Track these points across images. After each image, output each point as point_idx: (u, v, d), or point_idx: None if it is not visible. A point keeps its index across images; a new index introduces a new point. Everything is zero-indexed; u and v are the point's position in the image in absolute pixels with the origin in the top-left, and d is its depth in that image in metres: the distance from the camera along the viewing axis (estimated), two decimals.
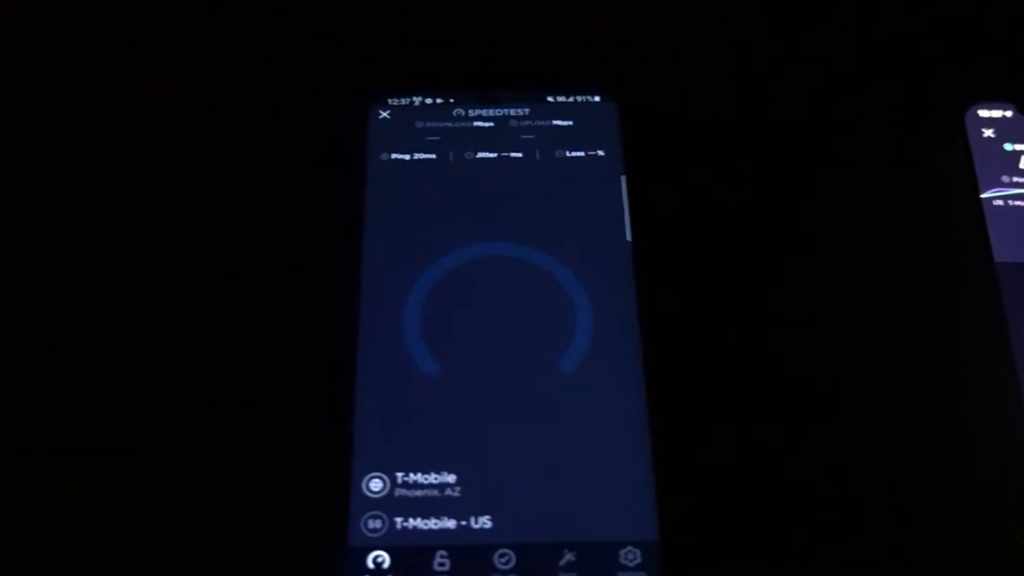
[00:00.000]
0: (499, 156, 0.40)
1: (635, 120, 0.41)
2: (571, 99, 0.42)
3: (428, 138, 0.41)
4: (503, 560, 0.33)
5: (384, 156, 0.40)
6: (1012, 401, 0.36)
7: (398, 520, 0.34)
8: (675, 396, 0.36)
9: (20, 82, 0.42)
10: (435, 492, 0.34)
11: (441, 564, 0.33)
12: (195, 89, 0.42)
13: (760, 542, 0.34)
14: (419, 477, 0.34)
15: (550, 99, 0.42)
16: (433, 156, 0.40)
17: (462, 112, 0.41)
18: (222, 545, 0.34)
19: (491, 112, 0.41)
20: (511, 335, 0.37)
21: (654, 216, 0.39)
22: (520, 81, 0.42)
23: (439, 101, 0.42)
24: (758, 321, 0.38)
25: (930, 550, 0.34)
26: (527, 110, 0.41)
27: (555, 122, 0.41)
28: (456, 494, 0.34)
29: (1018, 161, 0.40)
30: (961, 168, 0.40)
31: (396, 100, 0.42)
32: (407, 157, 0.40)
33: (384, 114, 0.41)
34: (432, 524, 0.34)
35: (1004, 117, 0.41)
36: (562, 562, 0.33)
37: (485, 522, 0.34)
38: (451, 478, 0.34)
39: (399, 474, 0.34)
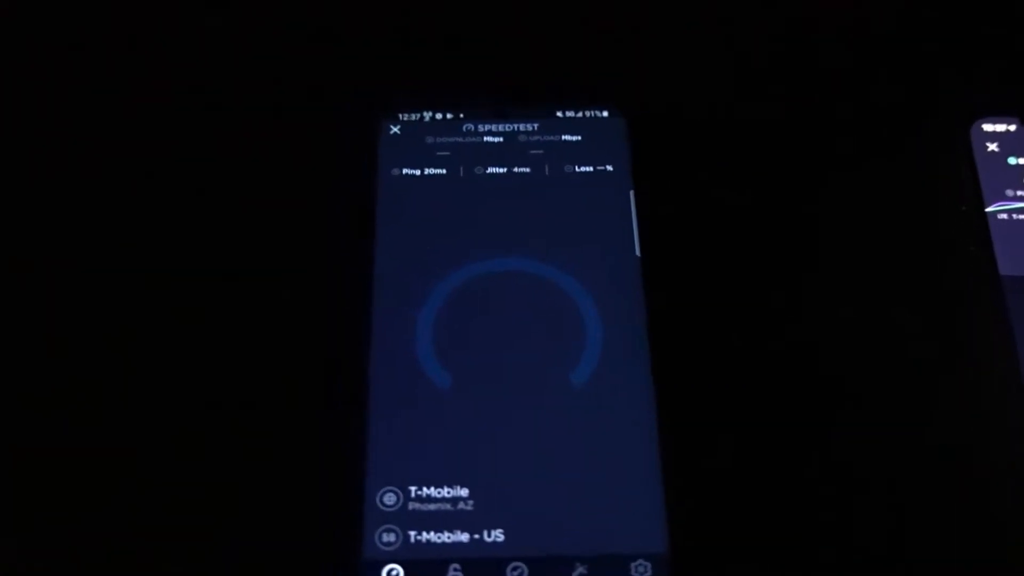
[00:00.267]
0: (508, 171, 0.41)
1: (643, 135, 0.41)
2: (580, 114, 0.42)
3: (438, 153, 0.41)
4: (516, 573, 0.33)
5: (395, 171, 0.41)
6: (1018, 413, 0.36)
7: (412, 534, 0.34)
8: (685, 408, 0.36)
9: (22, 83, 0.43)
10: (448, 506, 0.34)
11: None
12: (208, 106, 0.42)
13: (770, 554, 0.34)
14: (432, 491, 0.35)
15: (559, 114, 0.42)
16: (443, 171, 0.41)
17: (472, 127, 0.42)
18: (237, 559, 0.34)
19: (500, 127, 0.42)
20: (522, 349, 0.37)
21: (662, 230, 0.40)
22: (529, 96, 0.42)
23: (449, 116, 0.42)
24: (766, 334, 0.38)
25: (940, 561, 0.34)
26: (536, 125, 0.42)
27: (564, 137, 0.42)
28: (469, 507, 0.34)
29: (1023, 175, 0.41)
30: (966, 182, 0.41)
31: (406, 115, 0.42)
32: (418, 172, 0.41)
33: (395, 129, 0.42)
34: (445, 537, 0.34)
35: (1008, 131, 0.42)
36: (574, 574, 0.33)
37: (498, 535, 0.34)
38: (464, 492, 0.35)
39: (412, 488, 0.35)
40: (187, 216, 0.40)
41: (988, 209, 0.40)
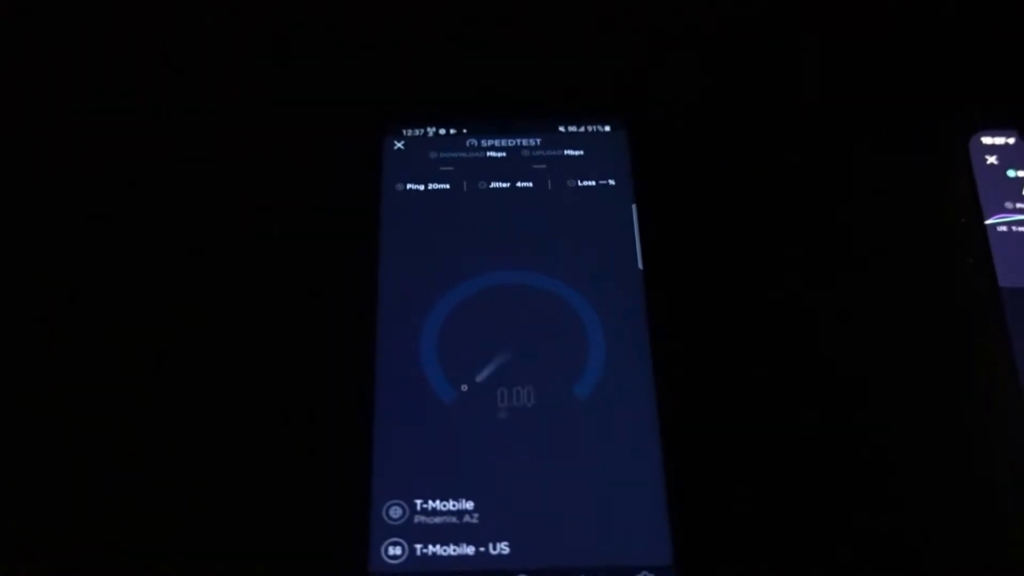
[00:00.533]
0: (512, 186, 0.41)
1: (645, 149, 0.42)
2: (582, 129, 0.42)
3: (442, 168, 0.42)
4: None
5: (399, 186, 0.41)
6: (1018, 424, 0.37)
7: (418, 547, 0.34)
8: (688, 421, 0.36)
9: (27, 87, 0.43)
10: (454, 519, 0.35)
11: None
12: (212, 122, 0.42)
13: (775, 565, 0.35)
14: (438, 504, 0.35)
15: (561, 129, 0.42)
16: (447, 186, 0.41)
17: (475, 142, 0.42)
18: (244, 573, 0.34)
19: (503, 142, 0.42)
20: (526, 362, 0.37)
21: (665, 244, 0.40)
22: (532, 112, 0.43)
23: (452, 132, 0.42)
24: (768, 346, 0.38)
25: (945, 567, 0.35)
26: (539, 140, 0.42)
27: (566, 152, 0.42)
28: (474, 520, 0.35)
29: (1022, 188, 0.41)
30: (965, 195, 0.41)
31: (410, 131, 0.42)
32: (421, 187, 0.41)
33: (398, 145, 0.42)
34: (451, 550, 0.34)
35: (1007, 144, 0.42)
36: None
37: (503, 548, 0.34)
38: (469, 504, 0.35)
39: (418, 501, 0.35)
40: (192, 230, 0.40)
41: (987, 221, 0.40)
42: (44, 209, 0.41)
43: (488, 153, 0.42)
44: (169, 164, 0.42)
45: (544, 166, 0.42)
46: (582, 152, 0.42)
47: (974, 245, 0.40)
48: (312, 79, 0.44)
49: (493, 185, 0.41)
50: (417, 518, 0.35)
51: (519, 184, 0.41)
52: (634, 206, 0.41)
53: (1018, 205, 0.41)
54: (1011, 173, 0.41)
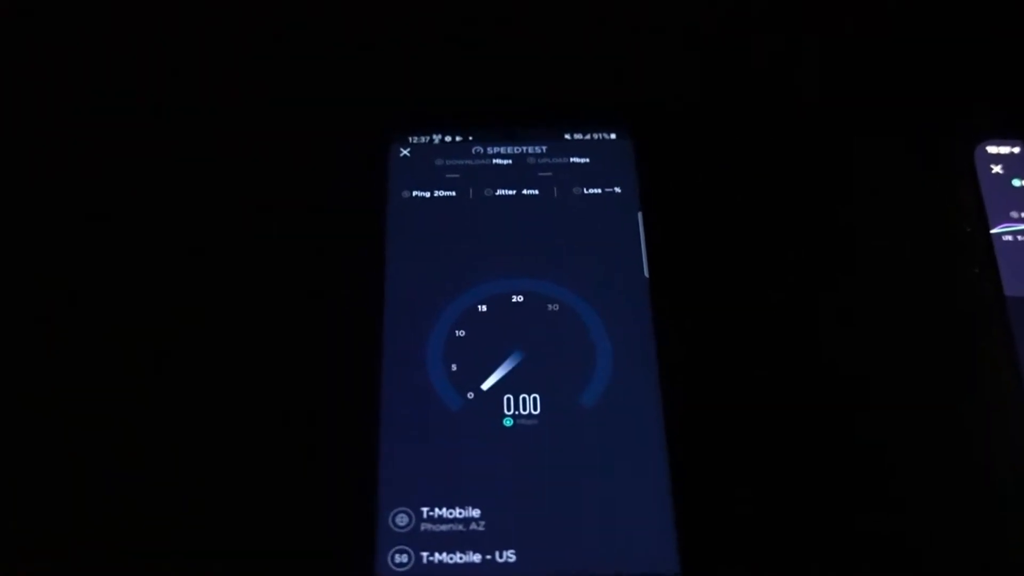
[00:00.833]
0: (517, 193, 0.41)
1: (651, 157, 0.42)
2: (588, 136, 0.43)
3: (448, 176, 0.42)
4: None
5: (405, 193, 0.41)
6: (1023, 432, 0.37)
7: (424, 554, 0.34)
8: (695, 429, 0.36)
9: (30, 91, 0.43)
10: (460, 526, 0.35)
11: None
12: (218, 130, 0.42)
13: (781, 573, 0.35)
14: (444, 512, 0.35)
15: (567, 136, 0.43)
16: (453, 193, 0.41)
17: (481, 150, 0.42)
18: None
19: (509, 150, 0.42)
20: (532, 370, 0.37)
21: (671, 251, 0.40)
22: (538, 119, 0.43)
23: (458, 139, 0.42)
24: (775, 353, 0.38)
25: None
26: (544, 147, 0.42)
27: (572, 159, 0.42)
28: (481, 528, 0.35)
29: None
30: (970, 204, 0.41)
31: (416, 138, 0.42)
32: (427, 194, 0.41)
33: (404, 152, 0.42)
34: (457, 558, 0.34)
35: (1012, 153, 0.42)
36: None
37: (510, 556, 0.34)
38: (476, 512, 0.35)
39: (424, 509, 0.35)
40: (200, 238, 0.40)
41: (992, 230, 0.40)
42: (56, 210, 0.41)
43: (494, 160, 0.42)
44: (180, 173, 0.42)
45: (550, 173, 0.42)
46: (588, 160, 0.42)
47: (979, 254, 0.40)
48: (318, 87, 0.44)
49: (499, 192, 0.41)
50: (423, 526, 0.35)
51: (525, 191, 0.41)
52: (640, 214, 0.41)
53: (1023, 214, 0.41)
54: (1016, 182, 0.41)
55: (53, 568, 0.34)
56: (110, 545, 0.35)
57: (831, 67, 0.44)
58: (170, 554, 0.35)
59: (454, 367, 0.37)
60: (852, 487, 0.36)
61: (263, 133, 0.42)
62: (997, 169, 0.42)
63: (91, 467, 0.36)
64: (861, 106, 0.43)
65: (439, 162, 0.42)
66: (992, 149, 0.42)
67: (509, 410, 0.37)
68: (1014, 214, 0.41)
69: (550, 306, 0.39)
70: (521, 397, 0.37)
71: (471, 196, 0.41)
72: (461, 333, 0.38)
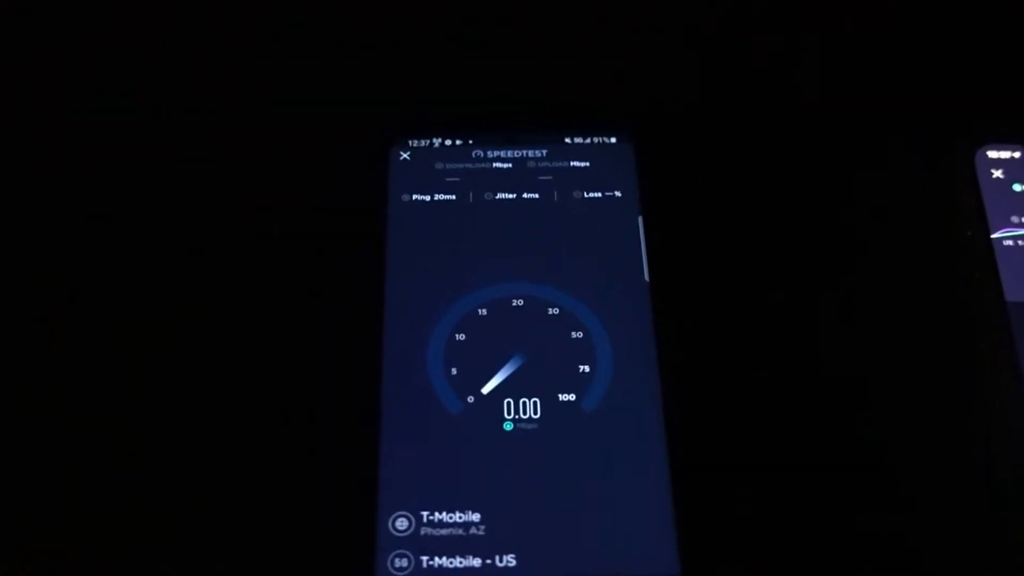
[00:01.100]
0: (518, 197, 0.41)
1: (651, 161, 0.42)
2: (588, 140, 0.42)
3: (448, 179, 0.42)
4: None
5: (405, 197, 0.41)
6: None
7: (424, 559, 0.34)
8: (695, 432, 0.36)
9: (31, 92, 0.43)
10: (460, 531, 0.35)
11: None
12: (218, 133, 0.42)
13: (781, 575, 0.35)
14: (444, 516, 0.35)
15: (567, 140, 0.42)
16: (453, 197, 0.41)
17: (481, 153, 0.42)
18: None
19: (509, 153, 0.42)
20: (532, 374, 0.37)
21: (671, 255, 0.40)
22: (538, 123, 0.43)
23: (458, 143, 0.42)
24: (776, 358, 0.38)
25: None
26: (545, 151, 0.42)
27: (572, 163, 0.42)
28: (481, 532, 0.35)
29: None
30: (971, 208, 0.41)
31: (416, 142, 0.42)
32: (427, 198, 0.41)
33: (404, 156, 0.42)
34: (457, 562, 0.34)
35: (1013, 158, 0.42)
36: None
37: (510, 560, 0.34)
38: (476, 516, 0.35)
39: (424, 513, 0.35)
40: (199, 239, 0.40)
41: (993, 235, 0.40)
42: (56, 210, 0.41)
43: (494, 164, 0.42)
44: (181, 174, 0.42)
45: (550, 177, 0.42)
46: (588, 163, 0.42)
47: (980, 259, 0.40)
48: (318, 90, 0.44)
49: (499, 196, 0.41)
50: (423, 530, 0.35)
51: (525, 195, 0.41)
52: (640, 218, 0.41)
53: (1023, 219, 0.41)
54: (1017, 187, 0.41)
55: (53, 568, 0.34)
56: (110, 546, 0.35)
57: (832, 71, 0.44)
58: (170, 557, 0.34)
59: (454, 371, 0.37)
60: (852, 490, 0.36)
61: (264, 135, 0.42)
62: (998, 174, 0.42)
63: (91, 469, 0.36)
64: (862, 110, 0.43)
65: (439, 165, 0.42)
66: (993, 154, 0.42)
67: (509, 414, 0.37)
68: (1015, 219, 0.41)
69: (550, 310, 0.39)
70: (521, 401, 0.37)
71: (471, 200, 0.41)
72: (461, 337, 0.38)
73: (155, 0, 0.45)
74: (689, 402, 0.37)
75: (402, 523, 0.35)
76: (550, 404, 0.37)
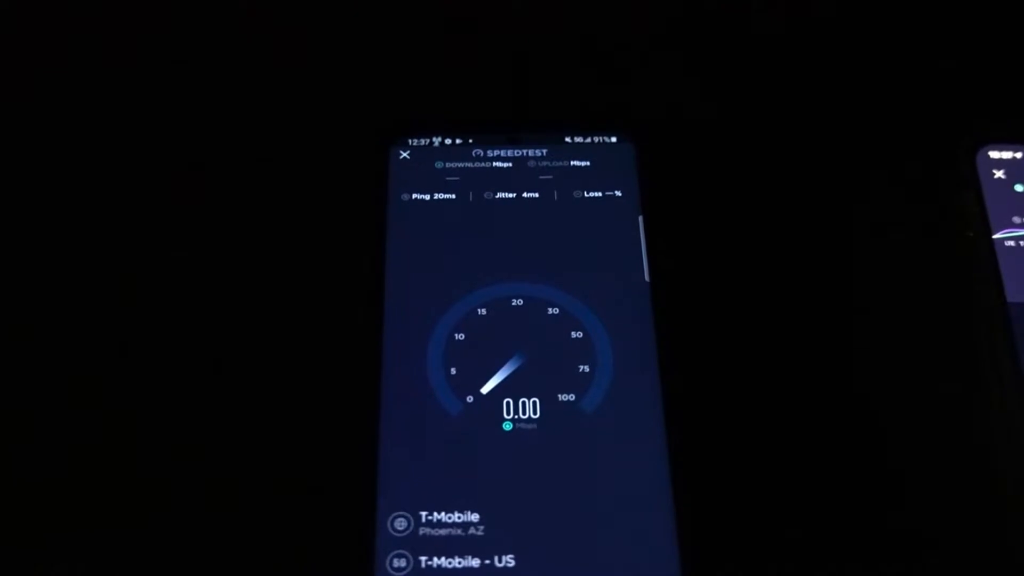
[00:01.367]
0: (518, 196, 0.41)
1: (652, 161, 0.42)
2: (588, 140, 0.42)
3: (448, 178, 0.41)
4: None
5: (405, 196, 0.41)
6: None
7: (423, 559, 0.34)
8: (696, 434, 0.36)
9: (31, 94, 0.43)
10: (459, 531, 0.34)
11: None
12: (218, 132, 0.42)
13: None
14: (443, 516, 0.35)
15: (568, 140, 0.42)
16: (453, 196, 0.41)
17: (481, 152, 0.42)
18: None
19: (509, 153, 0.42)
20: (532, 374, 0.37)
21: (671, 256, 0.40)
22: (538, 122, 0.43)
23: (458, 142, 0.42)
24: (776, 359, 0.38)
25: None
26: (545, 151, 0.42)
27: (573, 162, 0.42)
28: (480, 533, 0.34)
29: None
30: (973, 209, 0.41)
31: (416, 141, 0.42)
32: (427, 197, 0.41)
33: (404, 155, 0.42)
34: (456, 563, 0.34)
35: (1015, 158, 0.42)
36: None
37: (509, 561, 0.34)
38: (475, 517, 0.35)
39: (423, 513, 0.35)
40: (196, 239, 0.40)
41: (995, 236, 0.40)
42: (56, 211, 0.41)
43: (494, 163, 0.42)
44: (180, 174, 0.41)
45: (550, 177, 0.41)
46: (589, 163, 0.42)
47: (981, 260, 0.40)
48: (318, 89, 0.43)
49: (499, 195, 0.41)
50: (422, 530, 0.34)
51: (525, 195, 0.41)
52: (641, 217, 0.40)
53: None
54: (1019, 187, 0.41)
55: (54, 568, 0.34)
56: (111, 546, 0.35)
57: (834, 72, 0.44)
58: (169, 556, 0.34)
59: (453, 371, 0.37)
60: (855, 493, 0.36)
61: (262, 134, 0.42)
62: (999, 174, 0.42)
63: (92, 470, 0.36)
64: (863, 112, 0.43)
65: (439, 165, 0.42)
66: (994, 154, 0.42)
67: (509, 414, 0.36)
68: (1016, 219, 0.41)
69: (550, 310, 0.39)
70: (521, 401, 0.37)
71: (471, 199, 0.41)
72: (461, 337, 0.38)
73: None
74: (689, 402, 0.37)
75: (401, 523, 0.35)
76: (549, 404, 0.37)
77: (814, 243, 0.41)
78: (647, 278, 0.39)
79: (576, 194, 0.41)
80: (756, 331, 0.39)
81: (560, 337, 0.38)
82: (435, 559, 0.34)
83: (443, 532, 0.34)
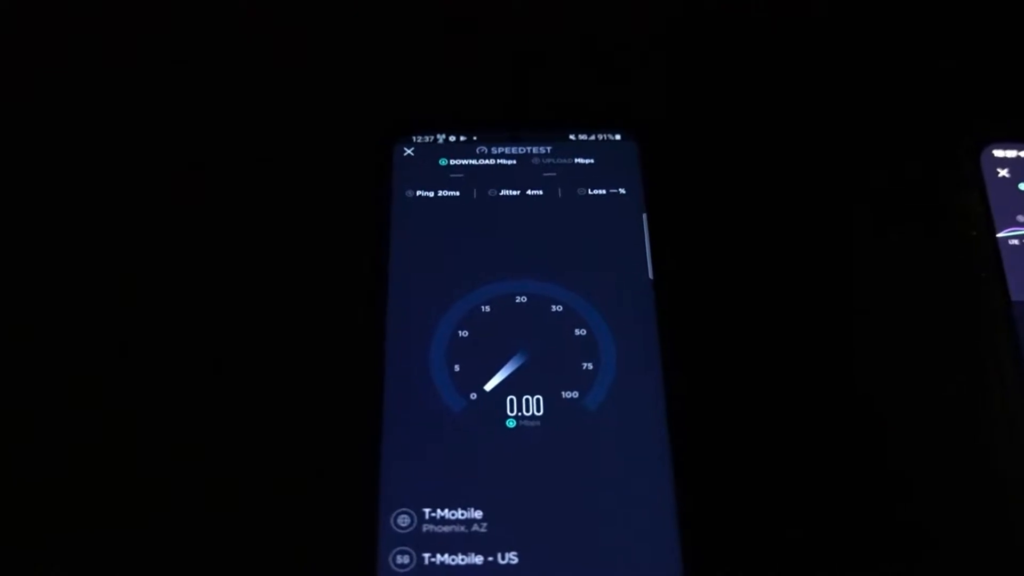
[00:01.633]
0: (522, 193, 0.41)
1: (656, 158, 0.42)
2: (592, 137, 0.42)
3: (452, 175, 0.41)
4: None
5: (409, 193, 0.41)
6: None
7: (426, 556, 0.34)
8: (699, 432, 0.36)
9: (31, 97, 0.43)
10: (462, 528, 0.34)
11: None
12: (222, 128, 0.42)
13: None
14: (446, 513, 0.35)
15: (572, 137, 0.42)
16: (457, 193, 0.41)
17: (485, 150, 0.42)
18: None
19: (514, 150, 0.42)
20: (535, 371, 0.37)
21: (675, 253, 0.40)
22: (542, 119, 0.43)
23: (463, 139, 0.42)
24: (780, 357, 0.38)
25: None
26: (549, 148, 0.42)
27: (577, 160, 0.42)
28: (483, 530, 0.34)
29: None
30: (977, 208, 0.41)
31: (420, 137, 0.42)
32: (431, 194, 0.41)
33: (408, 151, 0.42)
34: (459, 560, 0.34)
35: (1019, 157, 0.42)
36: None
37: (512, 558, 0.34)
38: (478, 514, 0.35)
39: (426, 510, 0.35)
40: (200, 236, 0.40)
41: (999, 235, 0.40)
42: (58, 213, 0.41)
43: (498, 160, 0.42)
44: (184, 172, 0.41)
45: (554, 174, 0.41)
46: (593, 160, 0.42)
47: (985, 258, 0.40)
48: (323, 86, 0.43)
49: (503, 193, 0.41)
50: (425, 527, 0.35)
51: (529, 192, 0.41)
52: (645, 215, 0.40)
53: None
54: (1023, 186, 0.41)
55: (54, 568, 0.34)
56: (111, 546, 0.35)
57: (838, 71, 0.44)
58: (171, 555, 0.34)
59: (457, 367, 0.37)
60: (857, 493, 0.36)
61: (266, 132, 0.42)
62: (1004, 173, 0.42)
63: (92, 470, 0.36)
64: (867, 110, 0.43)
65: (443, 162, 0.42)
66: (999, 153, 0.42)
67: (512, 411, 0.36)
68: (1021, 218, 0.41)
69: (553, 307, 0.39)
70: (524, 398, 0.37)
71: (475, 196, 0.41)
72: (464, 333, 0.38)
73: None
74: (692, 400, 0.37)
75: (404, 520, 0.35)
76: (553, 402, 0.37)
77: (818, 242, 0.41)
78: (651, 276, 0.39)
79: (580, 191, 0.41)
80: (759, 330, 0.39)
81: (563, 334, 0.38)
82: (438, 556, 0.34)
83: (446, 529, 0.34)
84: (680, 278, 0.39)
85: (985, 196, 0.41)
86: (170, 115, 0.43)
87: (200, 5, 0.45)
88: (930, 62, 0.44)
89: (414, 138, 0.42)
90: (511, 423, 0.36)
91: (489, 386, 0.37)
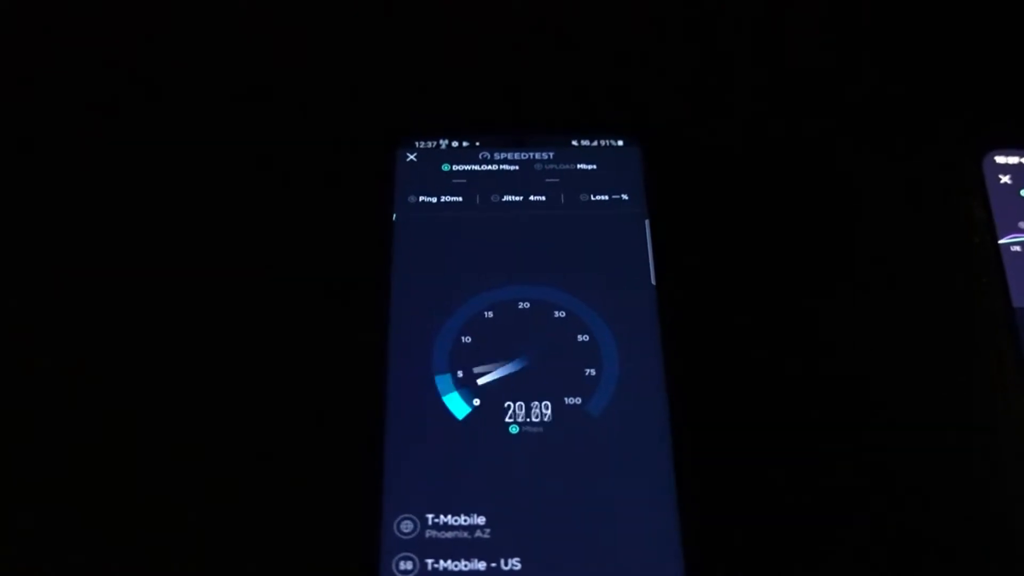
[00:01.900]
0: (524, 199, 0.41)
1: (659, 164, 0.42)
2: (595, 143, 0.42)
3: (454, 181, 0.41)
4: None
5: (411, 198, 0.41)
6: None
7: (429, 561, 0.34)
8: (702, 438, 0.36)
9: (31, 99, 0.43)
10: (465, 534, 0.34)
11: None
12: (224, 134, 0.42)
13: None
14: (449, 519, 0.35)
15: (574, 143, 0.42)
16: (459, 199, 0.41)
17: (488, 155, 0.42)
18: None
19: (516, 156, 0.42)
20: (538, 377, 0.37)
21: (678, 260, 0.40)
22: (545, 125, 0.43)
23: (465, 144, 0.42)
24: (782, 363, 0.38)
25: None
26: (552, 154, 0.42)
27: (579, 166, 0.42)
28: (486, 536, 0.34)
29: None
30: (979, 214, 0.41)
31: (423, 143, 0.42)
32: (434, 199, 0.41)
33: (411, 157, 0.42)
34: (462, 566, 0.34)
35: (1021, 164, 0.42)
36: None
37: (515, 564, 0.34)
38: (481, 520, 0.35)
39: (430, 515, 0.35)
40: (203, 242, 0.40)
41: (1001, 241, 0.40)
42: (58, 216, 0.41)
43: (501, 166, 0.42)
44: (186, 175, 0.42)
45: (557, 180, 0.41)
46: (595, 166, 0.42)
47: (987, 265, 0.40)
48: (325, 91, 0.43)
49: (506, 198, 0.41)
50: (428, 532, 0.35)
51: (532, 197, 0.41)
52: (647, 221, 0.40)
53: None
54: None
55: (54, 568, 0.34)
56: (112, 547, 0.35)
57: (840, 78, 0.44)
58: (173, 558, 0.34)
59: (460, 373, 0.37)
60: (860, 499, 0.36)
61: (268, 136, 0.42)
62: (1005, 179, 0.42)
63: (92, 470, 0.36)
64: (869, 116, 0.43)
65: (446, 167, 0.42)
66: (1000, 159, 0.42)
67: (515, 417, 0.36)
68: (1022, 224, 0.41)
69: (556, 313, 0.39)
70: (527, 405, 0.37)
71: (478, 202, 0.41)
72: (467, 340, 0.38)
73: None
74: (695, 407, 0.37)
75: (407, 525, 0.35)
76: (556, 407, 0.37)
77: (820, 248, 0.41)
78: (653, 281, 0.39)
79: (583, 197, 0.41)
80: (762, 335, 0.39)
81: (566, 340, 0.38)
82: (441, 562, 0.34)
83: (449, 535, 0.34)
84: (682, 284, 0.39)
85: (987, 202, 0.41)
86: (171, 119, 0.43)
87: (202, 11, 0.45)
88: (932, 67, 0.44)
89: (416, 143, 0.42)
90: (514, 429, 0.36)
91: (492, 392, 0.37)
